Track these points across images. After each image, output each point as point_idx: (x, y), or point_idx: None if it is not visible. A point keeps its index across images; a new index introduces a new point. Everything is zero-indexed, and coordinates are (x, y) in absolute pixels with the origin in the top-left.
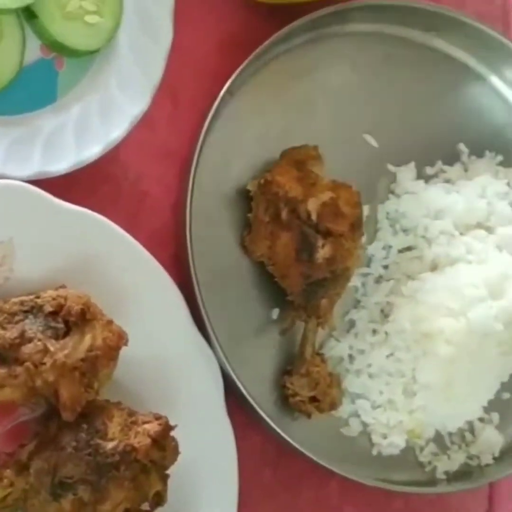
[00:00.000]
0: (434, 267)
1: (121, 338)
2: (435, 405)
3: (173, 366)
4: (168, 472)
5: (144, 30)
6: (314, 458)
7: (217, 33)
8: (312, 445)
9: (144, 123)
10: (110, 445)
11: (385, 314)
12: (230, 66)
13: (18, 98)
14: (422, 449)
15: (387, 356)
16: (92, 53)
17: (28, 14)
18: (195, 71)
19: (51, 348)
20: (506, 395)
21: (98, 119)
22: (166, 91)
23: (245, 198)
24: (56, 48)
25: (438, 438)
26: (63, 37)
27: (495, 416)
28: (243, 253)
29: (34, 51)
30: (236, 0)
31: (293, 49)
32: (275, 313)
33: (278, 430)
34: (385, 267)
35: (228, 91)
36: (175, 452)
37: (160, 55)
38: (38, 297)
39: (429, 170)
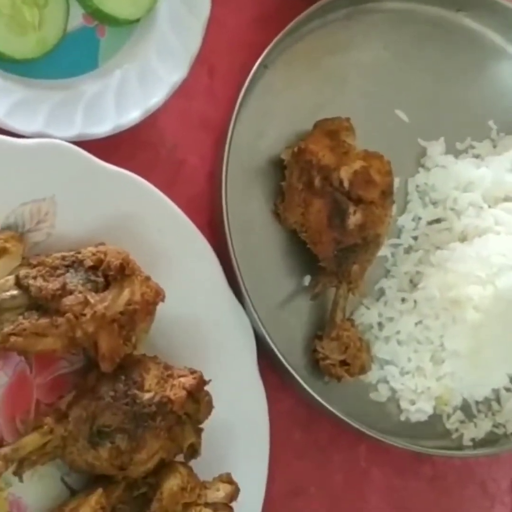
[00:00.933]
0: (463, 238)
1: (159, 294)
2: (462, 372)
3: (208, 327)
4: (202, 426)
5: (183, 1)
6: (345, 418)
7: (254, 6)
8: (342, 409)
9: (182, 92)
10: (146, 395)
11: (414, 283)
12: (266, 39)
13: (61, 63)
14: (449, 416)
15: (416, 324)
16: (132, 22)
17: None
18: (231, 43)
19: (91, 300)
20: None
21: (137, 86)
22: (203, 62)
23: (278, 168)
24: (98, 16)
25: (465, 406)
26: (105, 5)
27: None
28: (277, 221)
29: (77, 18)
30: None
31: (328, 25)
32: (307, 280)
33: (310, 391)
34: (415, 238)
35: (263, 63)
36: (209, 406)
37: (198, 27)
38: (78, 253)
39: (459, 146)
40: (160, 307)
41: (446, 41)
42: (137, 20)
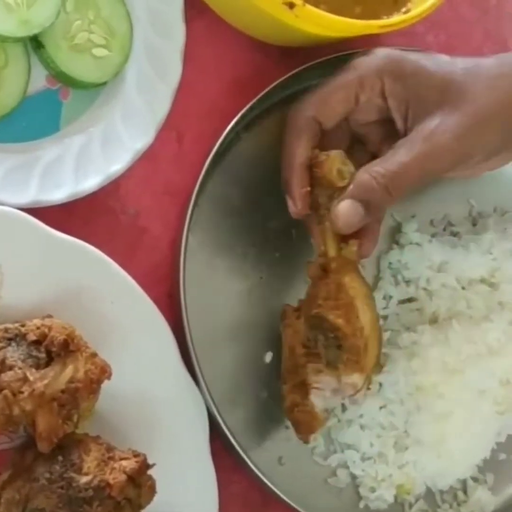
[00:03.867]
0: (434, 320)
1: (104, 372)
2: (426, 461)
3: (158, 404)
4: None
5: (152, 66)
6: (298, 508)
7: (227, 74)
8: (298, 493)
9: (147, 158)
10: (84, 479)
11: (380, 365)
12: (239, 107)
13: (20, 127)
14: (411, 505)
15: (380, 408)
16: (98, 86)
17: (35, 43)
18: (202, 110)
19: (31, 377)
20: (502, 456)
21: (100, 151)
22: (171, 128)
23: (245, 242)
24: (62, 79)
25: (428, 495)
26: (69, 68)
27: (490, 477)
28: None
29: (39, 80)
30: (247, 42)
31: (305, 93)
32: (269, 356)
33: (262, 477)
34: (384, 317)
35: (235, 132)
36: (152, 491)
37: (167, 92)
38: (23, 325)
39: (435, 223)
40: (109, 382)
41: None
42: (104, 84)
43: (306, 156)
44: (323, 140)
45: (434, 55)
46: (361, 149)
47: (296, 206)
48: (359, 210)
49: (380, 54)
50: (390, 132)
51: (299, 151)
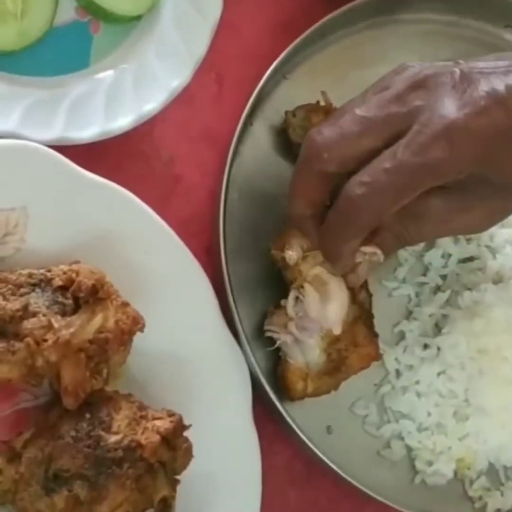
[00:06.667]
0: (497, 280)
1: (137, 323)
2: (489, 432)
3: (196, 363)
4: (178, 477)
5: (190, 0)
6: (349, 479)
7: (270, 13)
8: (347, 465)
9: (184, 101)
10: (113, 438)
11: (439, 328)
12: (283, 49)
13: (45, 59)
14: (472, 481)
15: (438, 374)
16: (132, 19)
17: None
18: (244, 51)
19: (56, 325)
20: None
21: (132, 89)
22: (210, 69)
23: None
24: (92, 10)
25: (491, 471)
26: None
27: None
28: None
29: (68, 11)
30: None
31: (354, 34)
32: None
33: (310, 445)
34: (443, 277)
35: (279, 73)
36: (188, 454)
37: (206, 29)
38: (49, 271)
39: None
40: (142, 337)
41: None
42: (138, 18)
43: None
44: None
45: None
46: None
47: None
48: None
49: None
50: None
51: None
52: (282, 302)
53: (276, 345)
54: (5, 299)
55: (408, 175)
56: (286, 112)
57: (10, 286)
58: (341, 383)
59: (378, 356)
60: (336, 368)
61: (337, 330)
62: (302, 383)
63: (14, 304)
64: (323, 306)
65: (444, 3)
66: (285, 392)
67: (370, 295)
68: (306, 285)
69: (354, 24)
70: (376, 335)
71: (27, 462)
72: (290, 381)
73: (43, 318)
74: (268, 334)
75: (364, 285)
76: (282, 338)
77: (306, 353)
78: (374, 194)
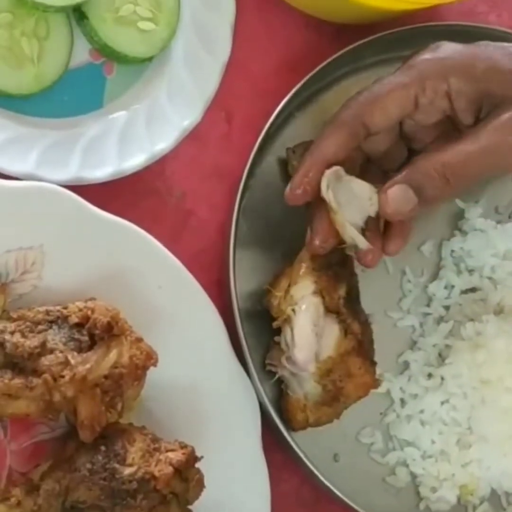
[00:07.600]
0: (499, 311)
1: (150, 358)
2: (491, 459)
3: (207, 395)
4: (191, 507)
5: (200, 41)
6: (355, 507)
7: (278, 52)
8: (354, 491)
9: (195, 138)
10: (127, 470)
11: (442, 358)
12: (291, 87)
13: (61, 101)
14: (475, 507)
15: (442, 403)
16: (144, 61)
17: (79, 15)
18: (253, 89)
19: (72, 361)
20: None
21: (144, 129)
22: (220, 108)
23: (297, 227)
24: (106, 52)
25: (493, 497)
26: (113, 42)
27: None
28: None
29: (83, 54)
30: (300, 19)
31: (360, 72)
32: None
33: (317, 474)
34: (446, 307)
35: (287, 110)
36: (200, 485)
37: (215, 69)
38: (65, 308)
39: (500, 209)
40: (156, 371)
41: None
42: (150, 59)
43: (335, 153)
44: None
45: (504, 46)
46: (373, 169)
47: (292, 191)
48: (411, 197)
49: (445, 51)
50: (445, 132)
51: (331, 144)
52: (275, 338)
53: (275, 378)
54: (23, 336)
55: None
56: (287, 149)
57: (28, 323)
58: (342, 412)
59: (375, 384)
60: (334, 398)
61: (311, 368)
62: (302, 414)
63: (32, 341)
64: (292, 348)
65: (451, 39)
66: (288, 423)
67: (368, 323)
68: (282, 325)
69: (362, 61)
70: (373, 364)
71: (45, 494)
72: (290, 412)
73: (60, 355)
74: (268, 367)
75: (356, 317)
76: (280, 372)
77: (303, 385)
78: None
